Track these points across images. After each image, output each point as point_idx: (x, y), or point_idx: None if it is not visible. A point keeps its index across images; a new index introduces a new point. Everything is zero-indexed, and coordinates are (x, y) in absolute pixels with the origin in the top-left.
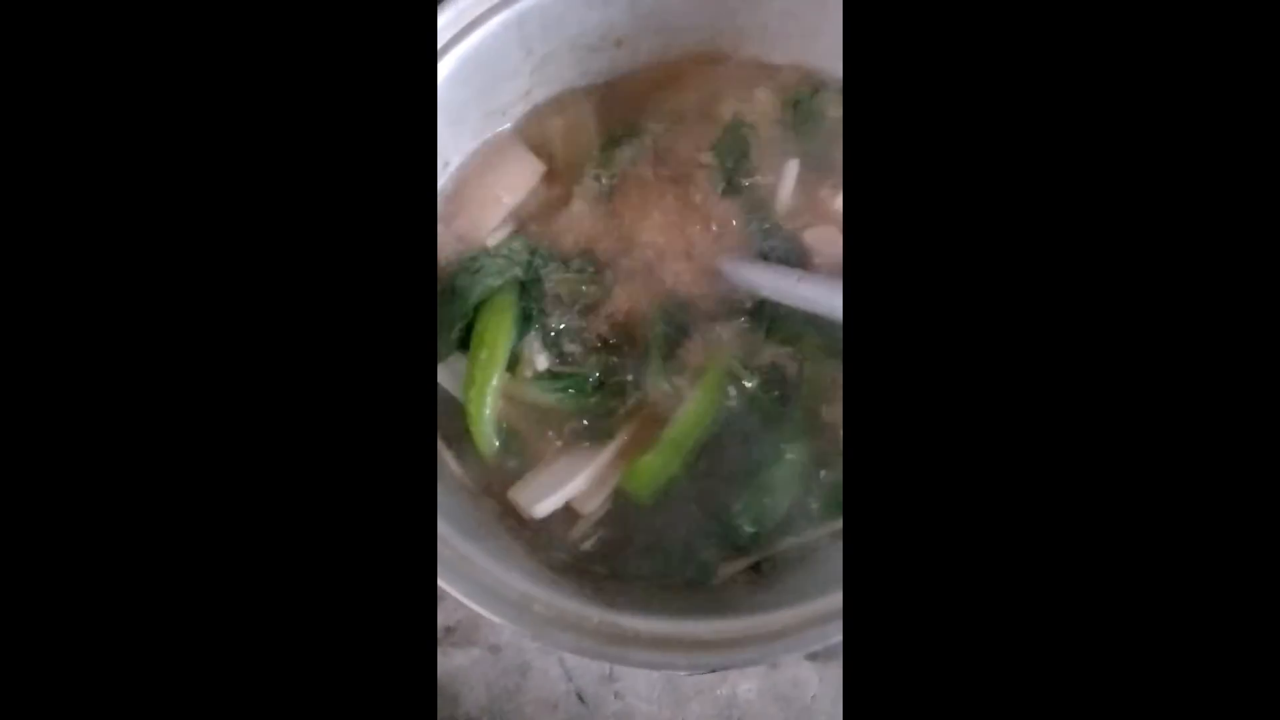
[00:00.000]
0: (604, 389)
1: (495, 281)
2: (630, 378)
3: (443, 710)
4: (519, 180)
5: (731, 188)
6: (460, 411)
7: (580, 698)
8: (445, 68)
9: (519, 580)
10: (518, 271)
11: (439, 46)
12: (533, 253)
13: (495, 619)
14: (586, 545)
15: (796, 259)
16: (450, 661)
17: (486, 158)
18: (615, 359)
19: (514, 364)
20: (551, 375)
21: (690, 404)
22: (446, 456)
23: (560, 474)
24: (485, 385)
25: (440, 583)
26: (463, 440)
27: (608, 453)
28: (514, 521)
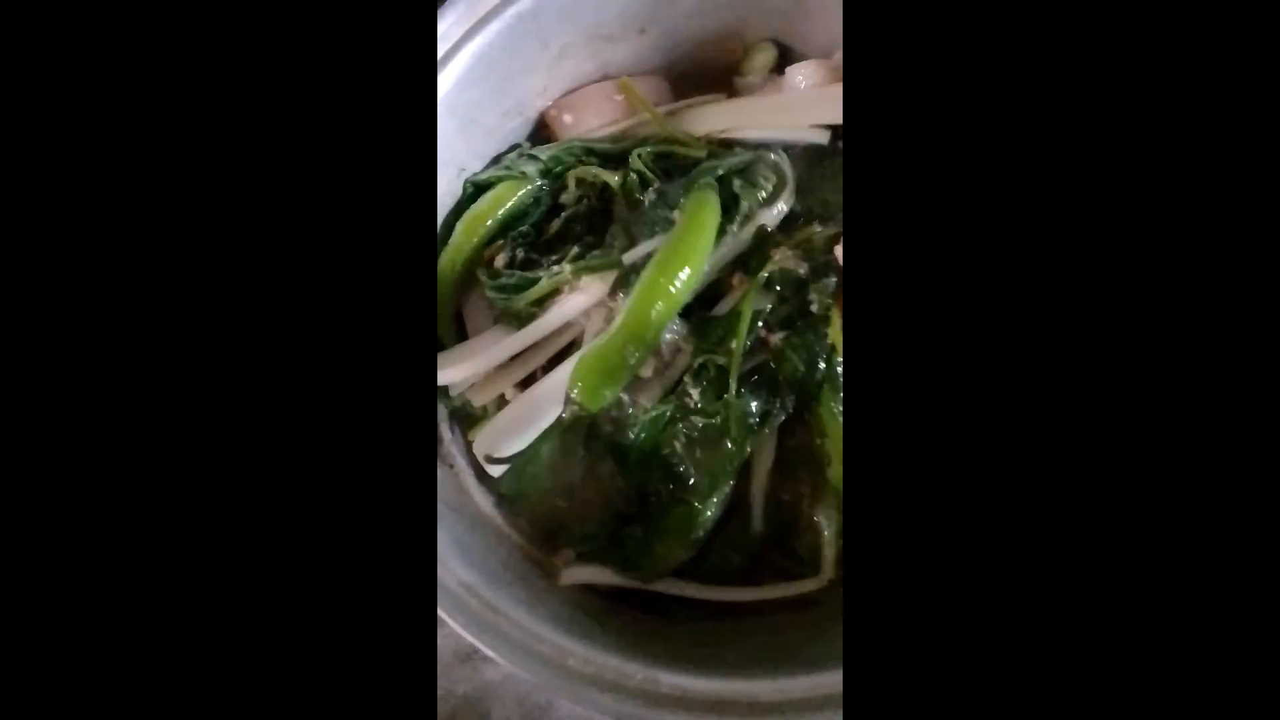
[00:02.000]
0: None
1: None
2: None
3: None
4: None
5: None
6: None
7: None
8: (458, 67)
9: (551, 632)
10: (539, 169)
11: (452, 44)
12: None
13: (529, 677)
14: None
15: None
16: (480, 677)
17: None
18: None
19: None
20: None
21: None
22: (469, 484)
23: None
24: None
25: (469, 637)
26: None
27: (531, 331)
28: (538, 554)
